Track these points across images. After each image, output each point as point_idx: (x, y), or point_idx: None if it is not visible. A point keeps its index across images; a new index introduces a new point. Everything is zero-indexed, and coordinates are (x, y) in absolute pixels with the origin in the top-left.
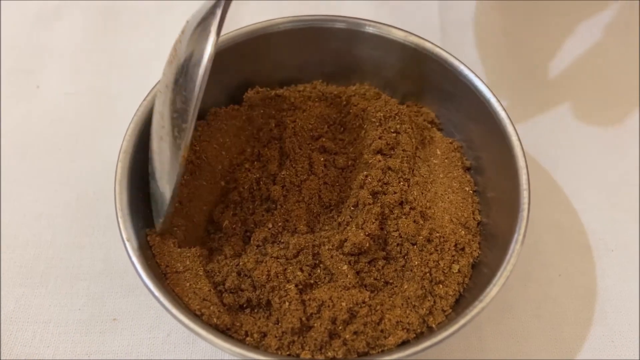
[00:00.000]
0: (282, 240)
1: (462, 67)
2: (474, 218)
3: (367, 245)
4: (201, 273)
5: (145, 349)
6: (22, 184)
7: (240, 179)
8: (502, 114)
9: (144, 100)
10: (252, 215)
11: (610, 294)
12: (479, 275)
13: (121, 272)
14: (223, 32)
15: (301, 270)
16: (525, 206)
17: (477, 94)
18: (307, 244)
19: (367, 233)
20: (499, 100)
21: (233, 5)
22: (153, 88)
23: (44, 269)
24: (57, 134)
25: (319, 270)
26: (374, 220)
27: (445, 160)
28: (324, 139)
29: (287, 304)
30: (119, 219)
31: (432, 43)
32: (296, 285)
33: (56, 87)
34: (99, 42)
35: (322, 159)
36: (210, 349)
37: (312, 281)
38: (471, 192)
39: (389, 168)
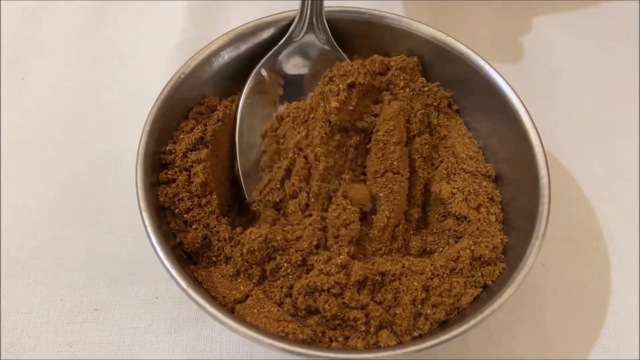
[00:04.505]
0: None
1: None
2: (486, 166)
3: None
4: (262, 296)
5: (127, 338)
6: (6, 176)
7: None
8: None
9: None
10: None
11: (611, 293)
12: (507, 216)
13: (104, 263)
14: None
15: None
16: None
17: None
18: (367, 272)
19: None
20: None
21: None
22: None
23: (27, 260)
24: (44, 127)
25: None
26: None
27: (452, 120)
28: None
29: (359, 312)
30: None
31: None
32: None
33: (42, 80)
34: (86, 36)
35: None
36: (192, 338)
37: (377, 279)
38: (475, 142)
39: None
